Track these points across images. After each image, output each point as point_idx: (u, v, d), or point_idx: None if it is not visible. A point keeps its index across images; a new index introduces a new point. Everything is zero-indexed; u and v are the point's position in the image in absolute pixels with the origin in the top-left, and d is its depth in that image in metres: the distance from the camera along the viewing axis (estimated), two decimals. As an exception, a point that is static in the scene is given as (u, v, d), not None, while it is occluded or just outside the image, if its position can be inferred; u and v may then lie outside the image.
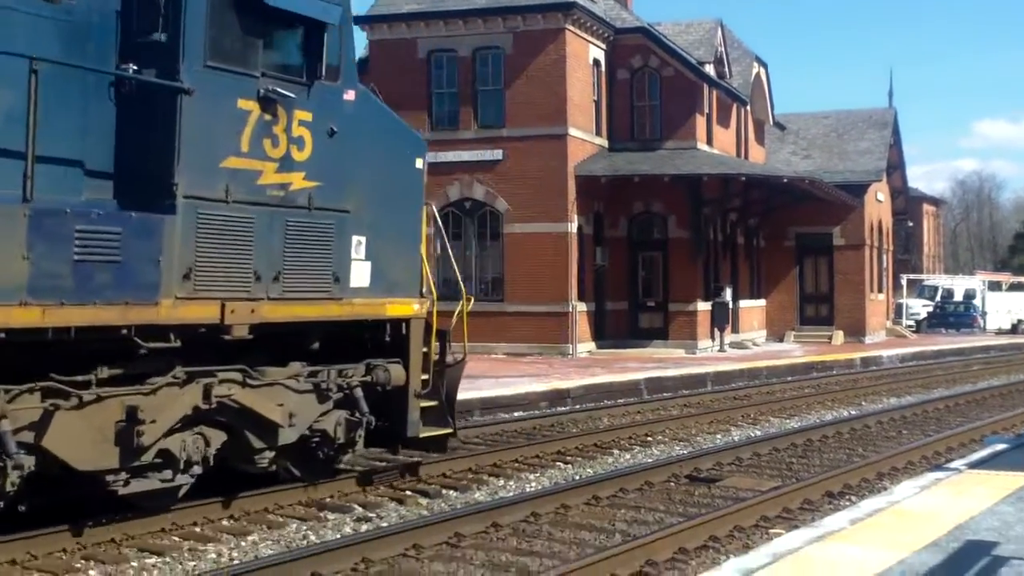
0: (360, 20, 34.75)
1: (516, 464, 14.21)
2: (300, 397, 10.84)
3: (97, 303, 8.66)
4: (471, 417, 18.79)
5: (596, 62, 36.17)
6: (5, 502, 8.62)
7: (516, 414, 20.03)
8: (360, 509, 11.33)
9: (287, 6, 10.02)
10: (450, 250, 13.63)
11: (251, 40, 9.90)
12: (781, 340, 45.15)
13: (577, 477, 13.57)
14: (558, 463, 14.54)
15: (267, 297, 10.10)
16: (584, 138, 35.04)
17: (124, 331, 8.98)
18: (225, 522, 10.57)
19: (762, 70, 46.91)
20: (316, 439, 11.26)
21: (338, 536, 10.21)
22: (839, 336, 45.14)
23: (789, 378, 29.47)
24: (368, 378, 11.52)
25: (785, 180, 37.71)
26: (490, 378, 23.78)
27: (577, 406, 21.39)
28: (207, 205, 9.51)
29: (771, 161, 48.66)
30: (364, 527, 10.65)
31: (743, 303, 42.86)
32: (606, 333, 36.31)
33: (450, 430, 12.67)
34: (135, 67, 9.34)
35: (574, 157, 34.12)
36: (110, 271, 8.75)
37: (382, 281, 11.42)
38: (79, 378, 8.95)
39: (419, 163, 11.95)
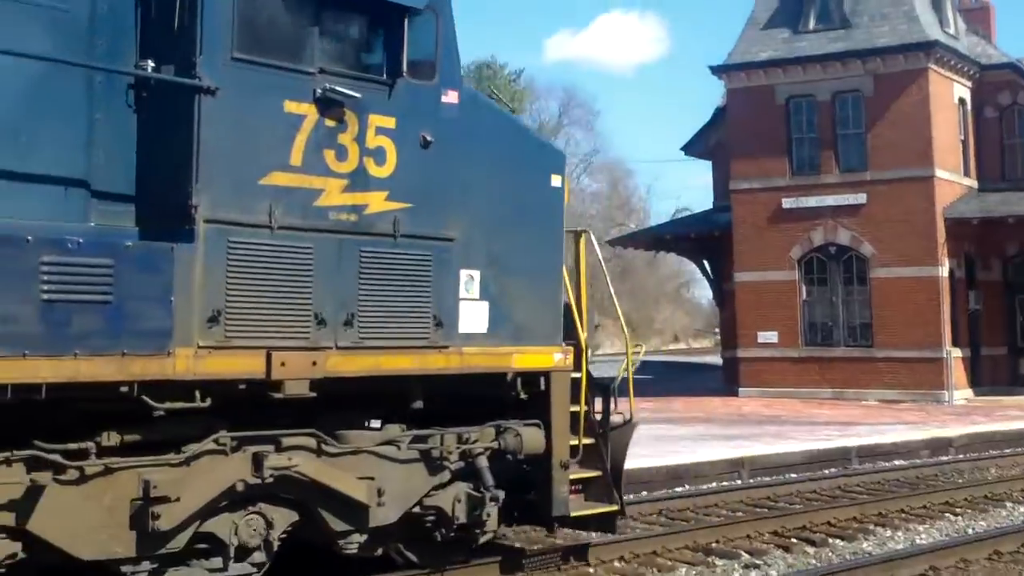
0: (717, 69, 35.90)
1: (903, 514, 13.79)
2: (400, 468, 8.80)
3: (78, 354, 6.92)
4: (848, 466, 18.96)
5: (961, 100, 35.66)
6: None
7: (896, 462, 19.70)
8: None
9: None
10: (612, 287, 11.15)
11: (302, 28, 8.04)
12: None
13: (971, 530, 13.02)
14: (947, 514, 14.00)
15: (336, 346, 8.15)
16: (951, 179, 34.45)
17: (125, 388, 7.21)
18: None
19: None
20: (430, 518, 9.20)
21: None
22: None
23: None
24: (495, 444, 9.37)
25: None
26: (864, 425, 24.08)
27: (960, 455, 20.69)
28: (242, 231, 7.67)
29: None
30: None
31: None
32: (982, 379, 35.09)
33: (615, 507, 10.30)
34: (153, 64, 7.67)
35: (942, 199, 33.50)
36: (97, 314, 7.01)
37: (506, 325, 9.26)
38: (72, 446, 7.24)
39: (556, 180, 9.73)
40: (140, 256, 7.20)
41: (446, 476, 9.16)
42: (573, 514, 9.87)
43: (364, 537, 8.64)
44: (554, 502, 9.64)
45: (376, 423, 8.92)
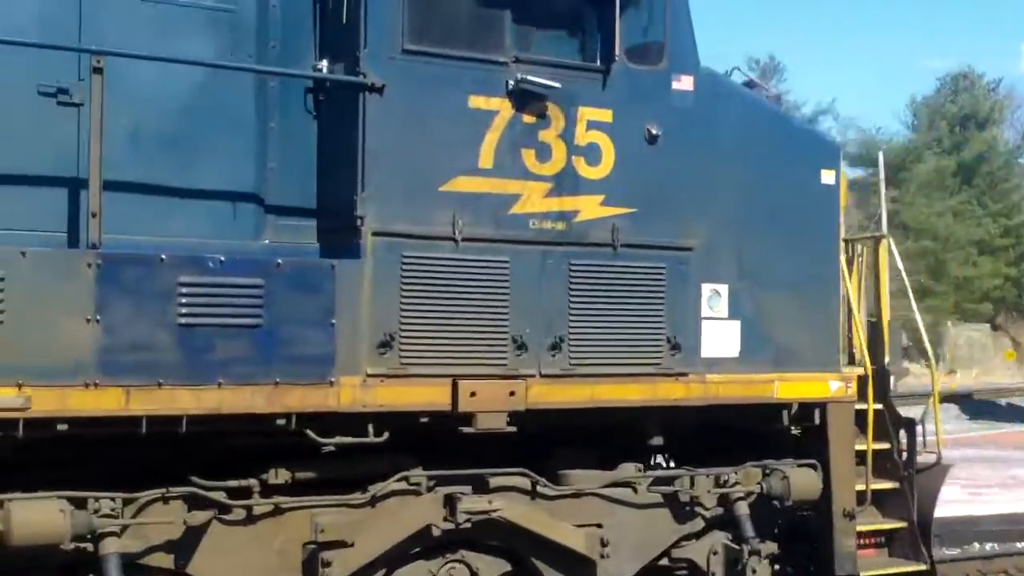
0: None
1: None
2: (637, 513, 7.65)
3: (222, 384, 6.28)
4: None
5: None
6: None
7: None
8: None
9: None
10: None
11: (490, 12, 7.07)
12: None
13: None
14: None
15: (540, 373, 7.10)
16: None
17: (282, 421, 6.50)
18: None
19: None
20: (681, 573, 7.95)
21: None
22: None
23: None
24: (759, 487, 7.99)
25: None
26: None
27: None
28: (419, 244, 6.80)
29: None
30: None
31: None
32: None
33: (923, 566, 8.59)
34: (327, 64, 6.97)
35: None
36: (245, 339, 6.34)
37: (765, 348, 7.87)
38: (232, 483, 6.61)
39: (828, 176, 8.20)
40: (295, 275, 6.47)
41: (699, 524, 7.90)
42: (864, 574, 8.28)
43: None
44: (836, 558, 8.13)
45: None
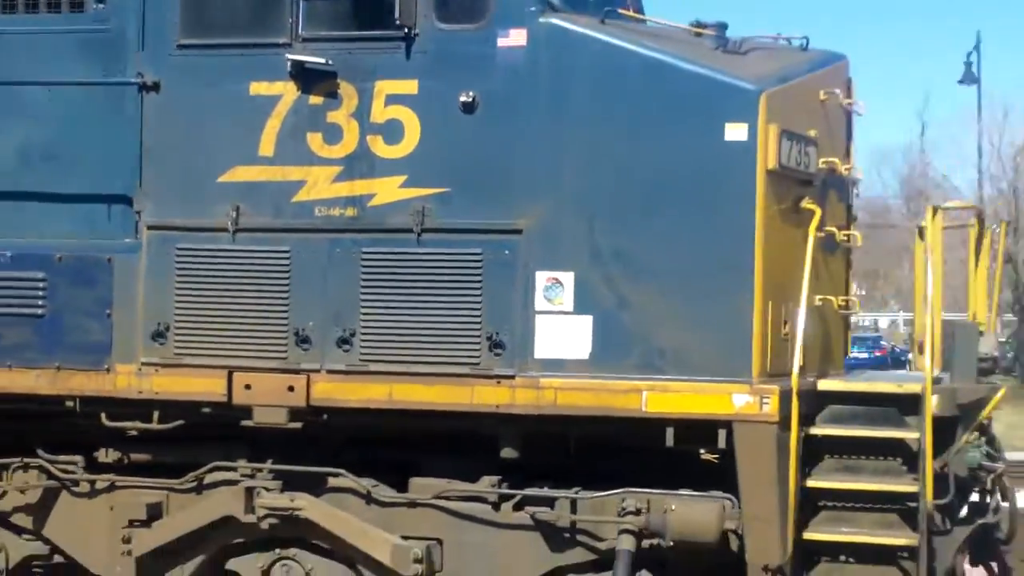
0: None
1: None
2: (494, 534, 6.75)
3: (12, 366, 7.06)
4: None
5: None
6: None
7: None
8: None
9: None
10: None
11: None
12: None
13: None
14: None
15: (324, 368, 6.70)
16: None
17: (70, 403, 7.06)
18: None
19: None
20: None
21: None
22: None
23: None
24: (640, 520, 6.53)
25: None
26: None
27: None
28: (193, 237, 6.87)
29: None
30: None
31: None
32: None
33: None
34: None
35: None
36: (30, 327, 7.05)
37: (630, 350, 6.38)
38: (64, 458, 7.31)
39: (736, 132, 6.26)
40: (74, 268, 7.00)
41: (587, 556, 6.67)
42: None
43: None
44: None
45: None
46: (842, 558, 6.46)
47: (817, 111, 6.91)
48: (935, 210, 6.69)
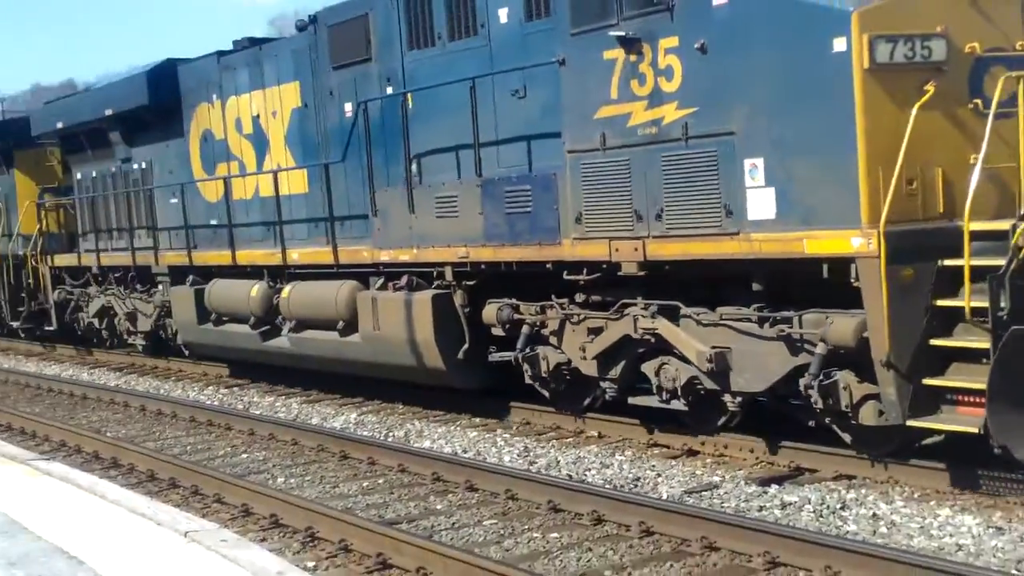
0: None
1: None
2: (758, 343, 9.75)
3: (519, 244, 11.59)
4: None
5: None
6: None
7: None
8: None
9: None
10: None
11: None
12: None
13: None
14: None
15: (650, 235, 10.21)
16: None
17: (549, 265, 11.36)
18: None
19: None
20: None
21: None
22: None
23: None
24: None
25: None
26: None
27: None
28: (586, 156, 10.74)
29: None
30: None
31: None
32: None
33: (973, 429, 8.03)
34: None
35: None
36: (526, 220, 11.49)
37: (795, 210, 9.01)
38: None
39: (839, 44, 8.41)
40: (540, 182, 11.28)
41: (808, 359, 9.36)
42: (911, 423, 8.49)
43: (737, 399, 10.03)
44: (884, 404, 8.66)
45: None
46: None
47: (950, 9, 8.65)
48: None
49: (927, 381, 8.44)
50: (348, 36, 14.02)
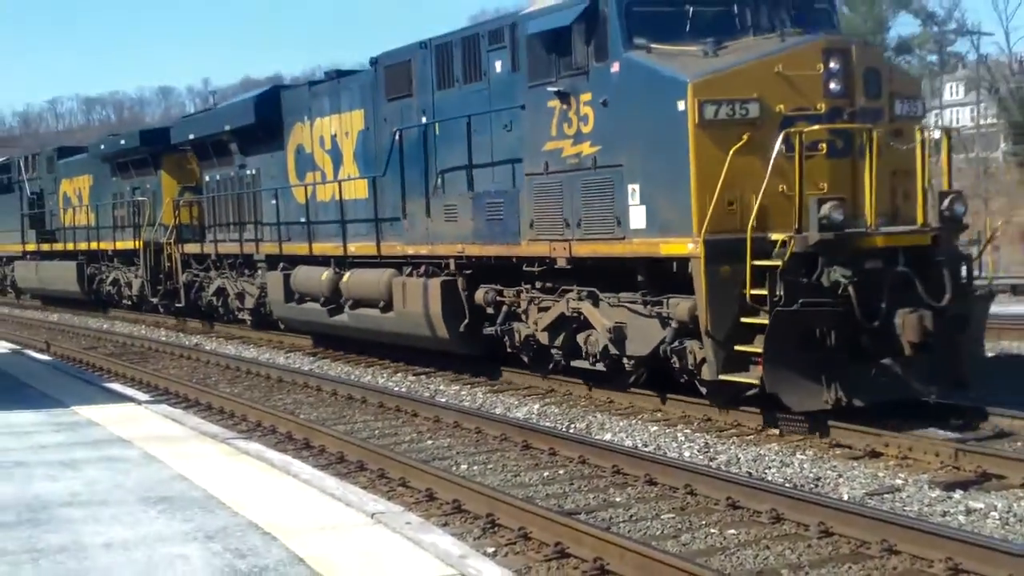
0: None
1: None
2: (642, 320, 13.17)
3: (495, 243, 15.21)
4: None
5: None
6: None
7: None
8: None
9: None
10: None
11: (551, 57, 13.84)
12: None
13: None
14: None
15: (573, 239, 13.72)
16: None
17: (514, 260, 14.94)
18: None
19: None
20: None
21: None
22: None
23: None
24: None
25: None
26: None
27: None
28: (536, 178, 14.30)
29: None
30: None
31: None
32: None
33: (753, 380, 11.42)
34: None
35: None
36: (498, 225, 15.09)
37: (656, 222, 12.46)
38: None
39: (681, 104, 11.85)
40: (507, 196, 14.88)
41: (669, 332, 12.75)
42: (723, 377, 11.85)
43: (631, 361, 13.50)
44: (704, 366, 12.05)
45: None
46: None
47: (764, 79, 11.96)
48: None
49: (737, 348, 11.78)
50: (397, 76, 17.76)
